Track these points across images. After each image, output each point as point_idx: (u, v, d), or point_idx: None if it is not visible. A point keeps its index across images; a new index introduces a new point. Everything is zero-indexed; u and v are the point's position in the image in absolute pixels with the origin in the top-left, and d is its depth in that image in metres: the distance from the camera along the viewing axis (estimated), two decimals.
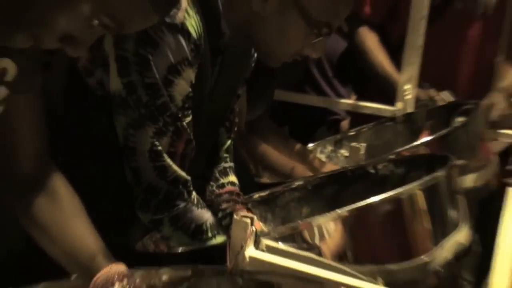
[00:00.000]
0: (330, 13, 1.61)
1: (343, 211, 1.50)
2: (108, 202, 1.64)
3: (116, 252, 1.62)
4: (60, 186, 1.34)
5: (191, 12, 1.52)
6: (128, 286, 1.28)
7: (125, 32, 1.11)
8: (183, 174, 1.62)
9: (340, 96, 3.01)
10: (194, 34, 1.52)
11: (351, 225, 1.50)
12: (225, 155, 1.93)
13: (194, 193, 1.66)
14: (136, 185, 1.60)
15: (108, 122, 1.58)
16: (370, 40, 2.76)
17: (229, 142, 1.92)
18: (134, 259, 1.59)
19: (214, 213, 1.83)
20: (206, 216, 1.66)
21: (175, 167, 1.60)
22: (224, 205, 1.86)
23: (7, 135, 1.24)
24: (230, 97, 1.84)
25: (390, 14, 2.75)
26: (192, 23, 1.52)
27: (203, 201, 1.78)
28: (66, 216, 1.33)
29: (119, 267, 1.31)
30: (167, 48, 1.50)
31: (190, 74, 1.55)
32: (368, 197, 1.55)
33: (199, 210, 1.66)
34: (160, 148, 1.57)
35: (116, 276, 1.28)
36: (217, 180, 1.89)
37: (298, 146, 2.43)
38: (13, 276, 1.39)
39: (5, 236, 1.31)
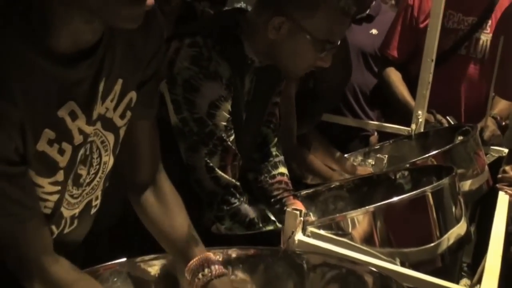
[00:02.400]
0: (330, 32, 1.55)
1: (370, 207, 1.49)
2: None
3: (203, 233, 1.63)
4: (166, 186, 1.32)
5: (219, 60, 1.53)
6: (215, 271, 1.25)
7: None
8: (233, 181, 1.61)
9: (369, 118, 2.98)
10: (225, 75, 1.54)
11: (376, 218, 1.47)
12: (276, 152, 1.88)
13: (246, 195, 1.64)
14: (200, 192, 1.60)
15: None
16: (395, 77, 2.72)
17: (276, 139, 1.89)
18: (211, 239, 1.60)
19: (267, 200, 1.83)
20: (256, 211, 1.64)
21: (226, 176, 1.59)
22: (275, 193, 1.83)
23: (134, 149, 1.23)
24: (265, 105, 1.81)
25: (410, 58, 2.70)
26: (222, 68, 1.53)
27: (257, 189, 1.78)
28: (168, 207, 1.30)
29: (209, 255, 1.28)
30: (206, 91, 1.52)
31: (227, 106, 1.56)
32: (390, 197, 1.53)
33: (251, 207, 1.63)
34: (212, 164, 1.57)
35: (206, 263, 1.26)
36: (269, 172, 1.85)
37: (338, 153, 2.40)
38: (106, 248, 1.39)
39: (104, 214, 1.29)
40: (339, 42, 1.59)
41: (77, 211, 1.18)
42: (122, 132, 1.17)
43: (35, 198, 1.05)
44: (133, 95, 1.15)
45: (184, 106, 1.53)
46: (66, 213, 1.16)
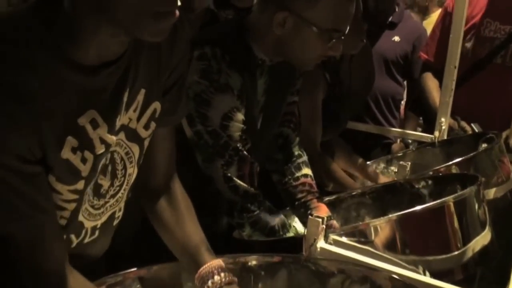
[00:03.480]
0: (335, 20, 1.53)
1: (393, 215, 1.48)
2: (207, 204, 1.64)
3: (220, 239, 1.63)
4: (179, 193, 1.32)
5: (229, 71, 1.53)
6: (224, 278, 1.25)
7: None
8: (252, 189, 1.60)
9: (391, 125, 2.97)
10: (236, 87, 1.54)
11: (399, 226, 1.46)
12: (298, 151, 1.87)
13: (266, 202, 1.63)
14: (220, 201, 1.61)
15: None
16: (431, 83, 2.70)
17: (297, 139, 1.88)
18: (232, 245, 1.60)
19: (292, 203, 1.82)
20: (277, 219, 1.63)
21: (244, 185, 1.59)
22: (299, 195, 1.82)
23: (150, 155, 1.23)
24: (281, 105, 1.80)
25: None
26: (233, 79, 1.53)
27: (282, 191, 1.79)
28: (180, 215, 1.30)
29: (219, 262, 1.27)
30: (218, 104, 1.53)
31: (239, 116, 1.56)
32: (413, 205, 1.52)
33: (271, 215, 1.63)
34: (230, 174, 1.57)
35: (216, 270, 1.25)
36: (292, 174, 1.84)
37: (360, 160, 2.39)
38: (127, 259, 1.39)
39: (124, 226, 1.29)
40: (347, 29, 1.57)
41: (99, 222, 1.18)
42: (146, 143, 1.17)
43: (52, 202, 1.04)
44: (157, 105, 1.15)
45: (197, 119, 1.54)
46: (88, 223, 1.16)
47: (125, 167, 1.15)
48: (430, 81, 2.70)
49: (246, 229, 1.61)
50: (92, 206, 1.14)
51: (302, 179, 1.83)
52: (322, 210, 1.77)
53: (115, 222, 1.24)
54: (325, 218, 1.44)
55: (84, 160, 1.04)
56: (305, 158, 1.88)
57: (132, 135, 1.13)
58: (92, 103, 1.01)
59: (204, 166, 1.59)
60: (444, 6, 2.84)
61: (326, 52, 1.58)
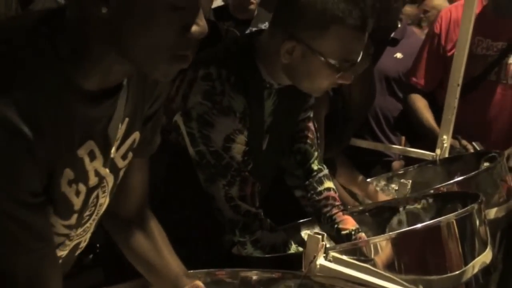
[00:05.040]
0: (346, 51, 1.51)
1: (393, 233, 1.48)
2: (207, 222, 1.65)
3: (220, 255, 1.63)
4: (153, 224, 1.30)
5: (232, 94, 1.53)
6: None
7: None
8: (253, 209, 1.60)
9: (391, 143, 2.97)
10: (239, 109, 1.54)
11: (399, 244, 1.46)
12: (318, 166, 1.86)
13: (268, 221, 1.63)
14: (222, 219, 1.61)
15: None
16: (420, 103, 2.71)
17: (316, 153, 1.86)
18: (233, 260, 1.60)
19: (317, 218, 1.82)
20: (278, 238, 1.63)
21: (245, 205, 1.59)
22: (324, 210, 1.81)
23: (124, 185, 1.21)
24: (292, 123, 1.80)
25: (438, 85, 2.70)
26: (236, 102, 1.53)
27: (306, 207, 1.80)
28: (158, 245, 1.29)
29: (198, 284, 1.26)
30: (221, 126, 1.53)
31: (242, 138, 1.57)
32: (413, 223, 1.52)
33: (273, 234, 1.62)
34: (231, 194, 1.57)
35: None
36: (315, 189, 1.83)
37: (360, 177, 2.39)
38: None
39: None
40: (359, 59, 1.55)
41: (65, 252, 1.14)
42: (121, 174, 1.14)
43: (52, 233, 1.01)
44: (136, 136, 1.12)
45: (200, 140, 1.55)
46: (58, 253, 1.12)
47: (97, 197, 1.10)
48: (419, 102, 2.71)
49: (248, 247, 1.60)
50: (70, 238, 1.11)
51: (325, 193, 1.82)
52: (349, 223, 1.77)
53: (77, 253, 1.21)
54: (325, 235, 1.43)
55: (78, 193, 1.01)
56: (326, 171, 1.87)
57: (110, 165, 1.09)
58: (91, 134, 0.99)
59: (206, 185, 1.59)
60: (430, 27, 2.84)
61: (336, 81, 1.56)
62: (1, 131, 0.85)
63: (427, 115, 2.66)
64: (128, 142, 1.11)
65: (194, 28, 0.91)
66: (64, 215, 1.02)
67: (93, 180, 1.04)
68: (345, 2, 1.47)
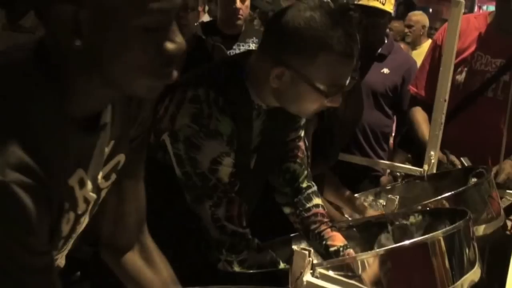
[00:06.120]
0: (335, 78, 1.52)
1: (381, 250, 1.48)
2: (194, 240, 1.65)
3: (205, 271, 1.61)
4: (151, 244, 1.30)
5: (220, 117, 1.53)
6: None
7: None
8: (239, 230, 1.59)
9: (380, 158, 2.97)
10: (226, 132, 1.54)
11: (387, 261, 1.45)
12: (307, 183, 1.86)
13: (255, 241, 1.62)
14: (208, 238, 1.60)
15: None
16: (419, 116, 2.70)
17: (306, 172, 1.86)
18: (217, 276, 1.58)
19: (306, 234, 1.82)
20: (266, 258, 1.61)
21: (231, 226, 1.58)
22: (312, 227, 1.81)
23: (121, 214, 1.21)
24: (281, 142, 1.80)
25: None
26: (223, 125, 1.53)
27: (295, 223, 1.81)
28: (157, 266, 1.28)
29: None
30: (207, 149, 1.53)
31: (228, 160, 1.56)
32: (401, 239, 1.52)
33: (260, 254, 1.61)
34: (217, 215, 1.57)
35: None
36: (303, 205, 1.83)
37: (347, 193, 2.39)
38: None
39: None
40: (347, 83, 1.56)
41: None
42: (103, 194, 1.12)
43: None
44: (121, 158, 1.11)
45: (187, 161, 1.55)
46: None
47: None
48: (419, 115, 2.71)
49: (235, 266, 1.59)
50: None
51: (314, 210, 1.82)
52: (337, 239, 1.77)
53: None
54: (311, 251, 1.42)
55: (68, 221, 1.01)
56: (314, 188, 1.87)
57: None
58: (80, 161, 0.99)
59: (192, 205, 1.59)
60: (433, 39, 2.87)
61: (325, 104, 1.57)
62: (17, 175, 0.83)
63: (423, 128, 2.65)
64: (112, 163, 1.10)
65: (170, 45, 0.91)
66: (53, 242, 1.00)
67: (82, 207, 1.03)
68: (332, 30, 1.48)
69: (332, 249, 1.75)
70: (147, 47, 0.89)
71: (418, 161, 2.63)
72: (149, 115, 1.18)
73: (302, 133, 1.87)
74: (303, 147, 1.87)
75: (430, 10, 10.11)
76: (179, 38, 0.92)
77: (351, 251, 1.74)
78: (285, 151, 1.84)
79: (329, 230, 1.79)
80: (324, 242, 1.77)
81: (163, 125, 1.57)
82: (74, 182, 0.98)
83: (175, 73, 0.94)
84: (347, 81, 1.57)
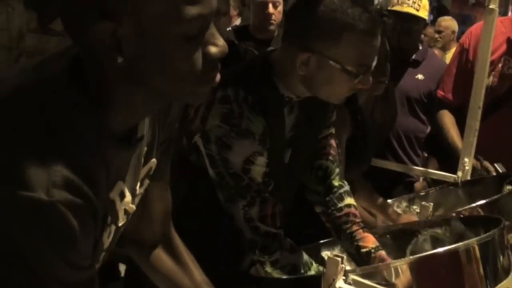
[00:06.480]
0: (360, 56, 1.52)
1: (415, 257, 1.47)
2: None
3: (238, 275, 1.63)
4: (179, 243, 1.31)
5: (251, 116, 1.53)
6: None
7: None
8: (272, 230, 1.60)
9: (414, 164, 2.96)
10: (258, 132, 1.54)
11: (420, 268, 1.45)
12: (339, 182, 1.86)
13: (288, 241, 1.63)
14: (242, 239, 1.61)
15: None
16: (447, 120, 2.69)
17: (338, 170, 1.86)
18: (251, 281, 1.59)
19: (337, 234, 1.82)
20: (299, 258, 1.62)
21: (264, 226, 1.59)
22: (344, 227, 1.80)
23: (147, 213, 1.22)
24: (315, 137, 1.81)
25: (466, 100, 2.62)
26: (255, 125, 1.54)
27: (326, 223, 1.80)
28: (185, 264, 1.29)
29: None
30: (239, 149, 1.54)
31: (261, 159, 1.57)
32: (434, 247, 1.51)
33: (293, 254, 1.62)
34: (251, 215, 1.58)
35: None
36: (335, 205, 1.82)
37: (380, 199, 2.37)
38: None
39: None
40: (374, 63, 1.55)
41: None
42: (137, 201, 1.12)
43: None
44: (153, 164, 1.12)
45: (219, 162, 1.56)
46: None
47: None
48: (447, 119, 2.69)
49: (267, 267, 1.60)
50: None
51: (346, 210, 1.81)
52: (369, 241, 1.76)
53: None
54: (344, 257, 1.43)
55: (109, 234, 1.01)
56: (347, 188, 1.87)
57: None
58: (119, 174, 0.98)
59: (225, 205, 1.60)
60: (460, 42, 2.86)
61: (355, 87, 1.57)
62: (63, 194, 0.82)
63: (453, 133, 2.64)
64: (145, 169, 1.10)
65: (213, 49, 0.91)
66: (94, 257, 0.99)
67: (122, 219, 1.04)
68: (352, 8, 1.49)
69: (363, 250, 1.74)
70: (190, 54, 0.88)
71: (445, 164, 2.63)
72: (176, 117, 1.18)
73: (333, 131, 1.87)
74: (334, 144, 1.87)
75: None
76: (221, 41, 0.92)
77: (382, 252, 1.73)
78: (317, 148, 1.84)
79: (361, 231, 1.78)
80: (355, 243, 1.76)
81: (195, 127, 1.59)
82: (115, 195, 0.98)
83: (218, 76, 0.94)
84: (374, 61, 1.56)
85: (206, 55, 0.90)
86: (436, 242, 1.79)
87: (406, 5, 2.82)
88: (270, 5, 3.22)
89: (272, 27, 3.26)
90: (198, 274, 1.30)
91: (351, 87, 1.56)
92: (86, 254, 0.90)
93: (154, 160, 1.11)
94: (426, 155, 3.36)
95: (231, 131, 1.52)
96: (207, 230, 1.67)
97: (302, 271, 1.61)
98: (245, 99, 1.53)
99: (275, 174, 1.62)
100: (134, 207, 1.06)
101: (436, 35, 5.89)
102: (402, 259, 1.49)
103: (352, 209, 1.82)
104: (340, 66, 1.51)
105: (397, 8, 2.84)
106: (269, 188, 1.59)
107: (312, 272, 1.63)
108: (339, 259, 1.40)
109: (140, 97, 0.92)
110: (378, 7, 2.73)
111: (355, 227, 1.79)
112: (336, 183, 1.85)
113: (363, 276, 1.45)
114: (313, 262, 1.64)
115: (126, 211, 1.03)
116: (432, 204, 2.16)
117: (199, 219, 1.67)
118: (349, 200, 1.84)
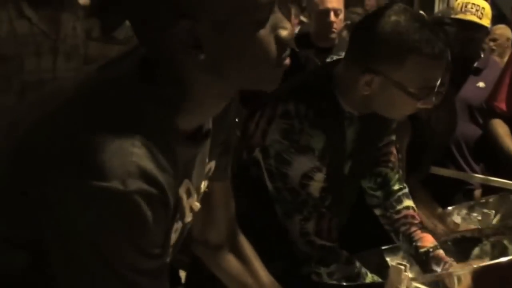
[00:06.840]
0: (425, 79, 1.52)
1: (478, 266, 1.48)
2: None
3: (298, 281, 1.65)
4: (246, 246, 1.34)
5: (311, 131, 1.54)
6: None
7: None
8: (327, 244, 1.61)
9: (474, 171, 2.94)
10: (318, 147, 1.55)
11: (483, 277, 1.46)
12: (398, 186, 1.85)
13: (343, 253, 1.63)
14: (297, 251, 1.63)
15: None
16: (502, 129, 2.68)
17: (397, 176, 1.86)
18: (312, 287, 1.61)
19: (396, 236, 1.82)
20: (354, 270, 1.62)
21: (319, 240, 1.60)
22: (402, 228, 1.80)
23: (212, 214, 1.25)
24: (375, 148, 1.82)
25: None
26: (315, 140, 1.55)
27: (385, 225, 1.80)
28: (252, 266, 1.32)
29: None
30: (298, 165, 1.55)
31: (320, 176, 1.58)
32: (497, 256, 1.51)
33: (347, 266, 1.62)
34: (307, 229, 1.59)
35: None
36: (393, 207, 1.83)
37: (439, 209, 2.38)
38: None
39: None
40: (438, 84, 1.55)
41: None
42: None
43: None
44: (212, 165, 1.13)
45: (277, 176, 1.57)
46: None
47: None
48: (501, 128, 2.67)
49: (324, 278, 1.62)
50: None
51: (404, 212, 1.81)
52: (427, 240, 1.76)
53: None
54: (408, 266, 1.45)
55: (176, 230, 1.02)
56: (405, 190, 1.86)
57: None
58: (186, 172, 0.99)
59: (282, 219, 1.62)
60: None
61: (418, 107, 1.58)
62: (139, 183, 0.84)
63: (508, 142, 2.62)
64: (206, 169, 1.11)
65: (283, 32, 0.93)
66: (163, 250, 1.01)
67: (189, 216, 1.05)
68: (419, 33, 1.48)
69: (422, 250, 1.74)
70: (265, 39, 0.90)
71: (493, 172, 2.62)
72: (234, 118, 1.20)
73: (394, 137, 1.87)
74: (394, 151, 1.88)
75: None
76: (288, 24, 0.93)
77: (441, 251, 1.72)
78: (378, 156, 1.85)
79: (419, 231, 1.78)
80: (414, 244, 1.76)
81: (255, 140, 1.60)
82: (182, 192, 0.99)
83: (288, 59, 0.96)
84: (437, 83, 1.55)
85: (277, 38, 0.92)
86: (498, 250, 1.79)
87: (469, 13, 2.81)
88: (332, 13, 3.24)
89: (333, 35, 3.29)
90: (264, 275, 1.33)
91: (413, 108, 1.58)
92: (158, 243, 0.91)
93: (213, 161, 1.14)
94: None
95: (291, 147, 1.54)
96: (267, 243, 1.69)
97: (358, 282, 1.62)
98: (306, 114, 1.54)
99: (334, 187, 1.63)
100: (199, 205, 1.07)
101: (491, 43, 5.80)
102: (465, 268, 1.50)
103: (411, 211, 1.82)
104: (403, 89, 1.51)
105: (460, 16, 2.83)
106: (325, 203, 1.61)
107: (367, 281, 1.64)
108: (403, 267, 1.43)
109: (215, 91, 0.94)
110: (440, 15, 2.74)
111: (413, 228, 1.79)
112: (395, 187, 1.85)
113: (425, 285, 1.47)
114: (368, 273, 1.64)
115: (191, 209, 1.05)
116: (493, 211, 2.16)
117: (259, 232, 1.69)
118: (408, 202, 1.84)
